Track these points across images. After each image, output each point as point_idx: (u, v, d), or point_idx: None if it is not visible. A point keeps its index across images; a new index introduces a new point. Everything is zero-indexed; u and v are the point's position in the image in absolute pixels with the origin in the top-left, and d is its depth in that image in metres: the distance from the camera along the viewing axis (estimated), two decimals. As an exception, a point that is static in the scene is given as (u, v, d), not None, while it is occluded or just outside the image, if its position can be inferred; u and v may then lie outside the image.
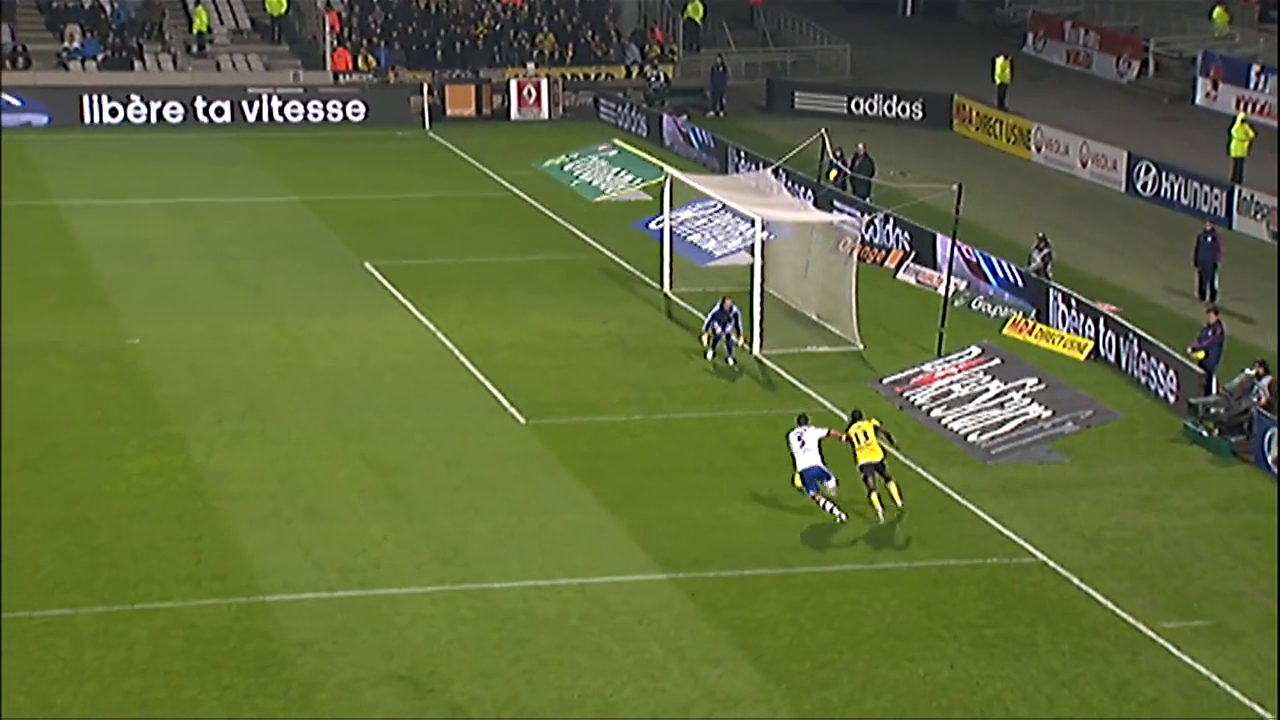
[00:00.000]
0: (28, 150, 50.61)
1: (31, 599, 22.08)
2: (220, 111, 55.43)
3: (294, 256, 39.76)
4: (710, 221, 41.73)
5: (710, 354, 32.26)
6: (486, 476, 26.74)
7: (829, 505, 24.97)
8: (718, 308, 32.18)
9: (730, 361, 32.08)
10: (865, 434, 25.15)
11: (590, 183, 47.91)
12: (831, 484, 24.98)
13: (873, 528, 24.94)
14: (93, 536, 24.10)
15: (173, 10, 61.53)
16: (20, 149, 50.63)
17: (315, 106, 56.19)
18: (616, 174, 48.04)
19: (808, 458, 24.97)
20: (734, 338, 32.01)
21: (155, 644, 21.07)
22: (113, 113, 54.86)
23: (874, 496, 24.94)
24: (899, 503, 25.27)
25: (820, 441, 25.11)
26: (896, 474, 26.72)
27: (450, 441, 28.19)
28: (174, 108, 55.19)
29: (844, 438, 25.32)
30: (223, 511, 25.08)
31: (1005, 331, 34.73)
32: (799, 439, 25.19)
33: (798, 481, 25.15)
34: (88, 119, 54.63)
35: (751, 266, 33.83)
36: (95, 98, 55.02)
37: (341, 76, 59.05)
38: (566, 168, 49.51)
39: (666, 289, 37.14)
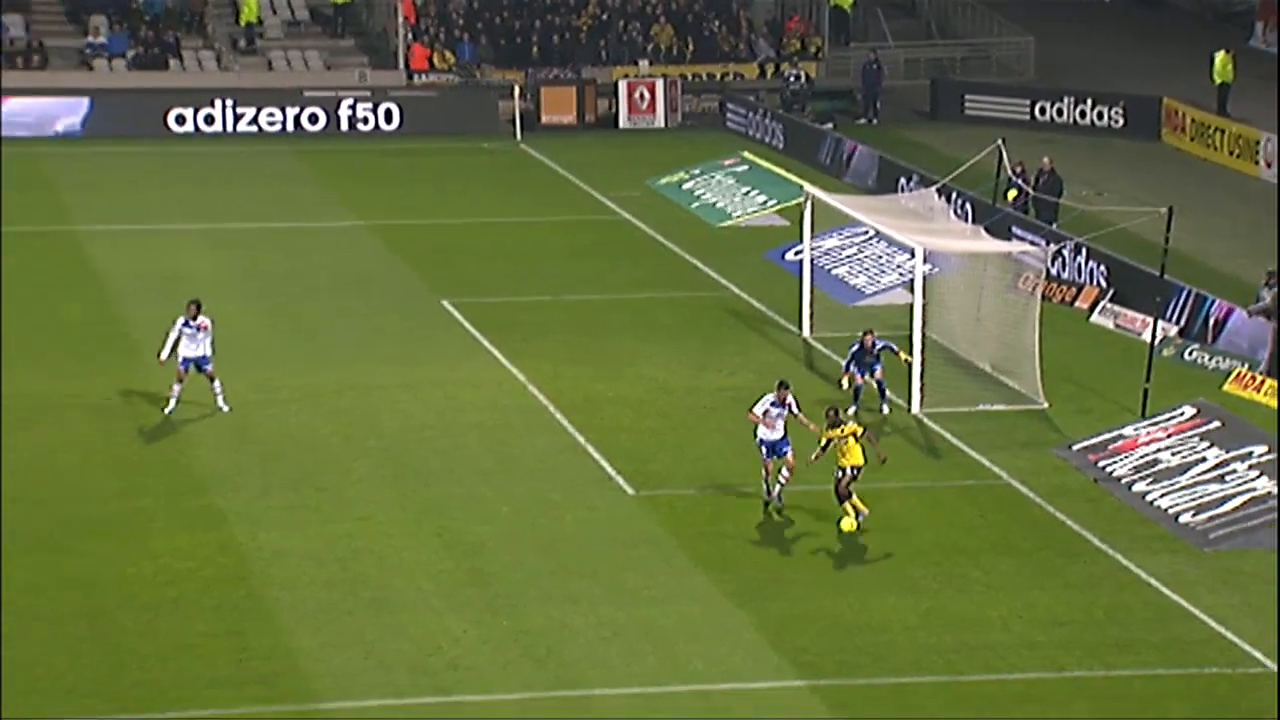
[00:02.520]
0: (43, 166, 51.67)
1: (41, 705, 22.38)
2: (272, 119, 56.32)
3: (359, 294, 40.22)
4: (860, 252, 41.67)
5: (854, 409, 32.22)
6: (587, 560, 26.82)
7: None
8: (857, 346, 32.25)
9: (883, 410, 32.08)
10: (848, 438, 27.61)
11: (715, 205, 48.08)
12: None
13: (1056, 623, 24.78)
14: (114, 632, 24.40)
15: (216, -2, 62.71)
16: (34, 164, 51.71)
17: (385, 112, 56.92)
18: (747, 194, 48.19)
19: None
20: (884, 381, 32.09)
21: (187, 760, 21.35)
22: (145, 120, 55.86)
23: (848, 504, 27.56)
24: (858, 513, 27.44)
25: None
26: (1089, 560, 26.50)
27: (544, 517, 28.31)
28: (217, 114, 56.12)
29: (821, 439, 27.72)
30: (270, 601, 25.32)
31: (1227, 388, 34.36)
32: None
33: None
34: (114, 128, 55.67)
35: (911, 307, 33.74)
36: (124, 102, 56.08)
37: (417, 76, 59.84)
38: (686, 186, 49.73)
39: (806, 333, 37.14)
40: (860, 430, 27.78)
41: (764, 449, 28.28)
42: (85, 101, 55.85)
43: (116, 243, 44.03)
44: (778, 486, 28.24)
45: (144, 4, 61.34)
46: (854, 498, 27.56)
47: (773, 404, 28.14)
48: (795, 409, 28.22)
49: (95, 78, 58.70)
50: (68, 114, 55.61)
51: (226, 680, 23.07)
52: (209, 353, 31.77)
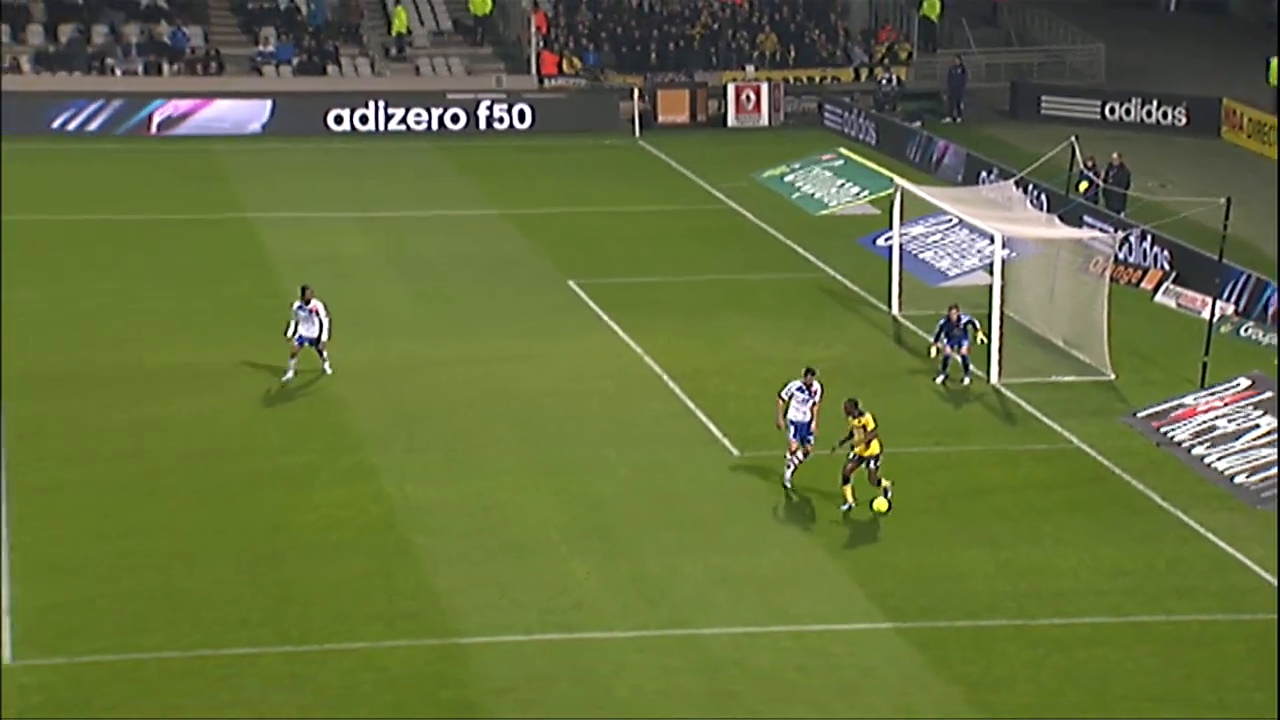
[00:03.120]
0: (219, 161, 52.25)
1: (215, 636, 22.73)
2: (419, 118, 56.60)
3: (494, 274, 40.41)
4: (945, 238, 41.46)
5: (941, 377, 32.16)
6: (696, 513, 26.87)
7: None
8: (944, 320, 32.20)
9: (965, 381, 32.04)
10: (864, 428, 26.30)
11: (813, 195, 47.90)
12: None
13: (1118, 574, 24.56)
14: (280, 571, 24.73)
15: (371, 10, 63.08)
16: (211, 160, 52.31)
17: (519, 113, 57.07)
18: (842, 186, 47.98)
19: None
20: (969, 356, 32.00)
21: (344, 688, 21.54)
22: (308, 120, 56.30)
23: (849, 489, 26.38)
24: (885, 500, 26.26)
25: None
26: (1151, 516, 26.30)
27: (658, 475, 28.38)
28: (370, 114, 56.46)
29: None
30: (416, 546, 25.55)
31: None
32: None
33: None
34: (282, 127, 56.11)
35: (990, 288, 33.52)
36: (290, 104, 56.57)
37: (547, 81, 59.92)
38: (787, 179, 49.57)
39: (895, 311, 36.96)
40: (871, 424, 26.36)
41: (793, 429, 27.29)
42: (268, 104, 56.42)
43: (282, 228, 44.46)
44: (788, 470, 27.26)
45: (308, 16, 61.83)
46: (882, 482, 26.35)
47: (799, 388, 27.24)
48: (818, 398, 27.14)
49: (264, 82, 59.19)
50: (257, 117, 56.24)
51: (378, 615, 23.32)
52: (319, 333, 31.91)
